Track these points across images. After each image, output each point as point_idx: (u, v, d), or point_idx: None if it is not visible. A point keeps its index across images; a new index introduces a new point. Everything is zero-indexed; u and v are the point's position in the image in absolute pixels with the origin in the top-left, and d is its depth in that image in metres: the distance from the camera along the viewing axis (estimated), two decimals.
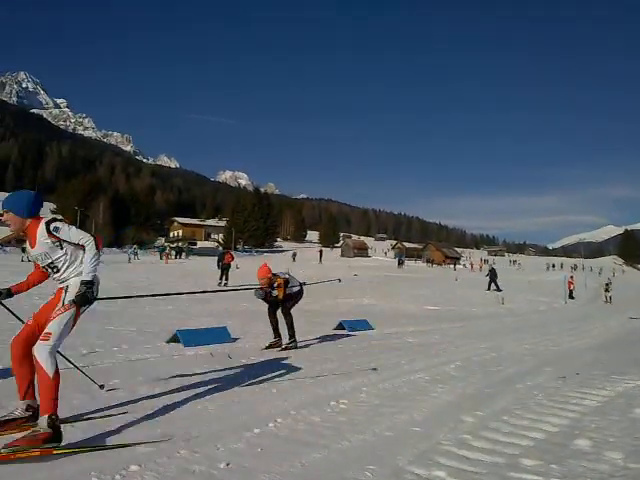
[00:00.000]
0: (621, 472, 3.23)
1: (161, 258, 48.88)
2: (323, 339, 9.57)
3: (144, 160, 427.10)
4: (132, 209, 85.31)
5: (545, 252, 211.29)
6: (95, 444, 3.44)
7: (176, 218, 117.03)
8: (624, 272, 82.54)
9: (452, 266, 76.48)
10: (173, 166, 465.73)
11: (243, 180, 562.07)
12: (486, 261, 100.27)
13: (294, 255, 64.00)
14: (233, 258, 24.64)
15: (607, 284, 30.59)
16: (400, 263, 65.23)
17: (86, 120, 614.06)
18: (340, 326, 11.09)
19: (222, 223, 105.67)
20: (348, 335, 10.32)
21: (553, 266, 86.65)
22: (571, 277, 33.32)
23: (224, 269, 23.02)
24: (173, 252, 55.80)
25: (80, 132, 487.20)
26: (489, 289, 29.81)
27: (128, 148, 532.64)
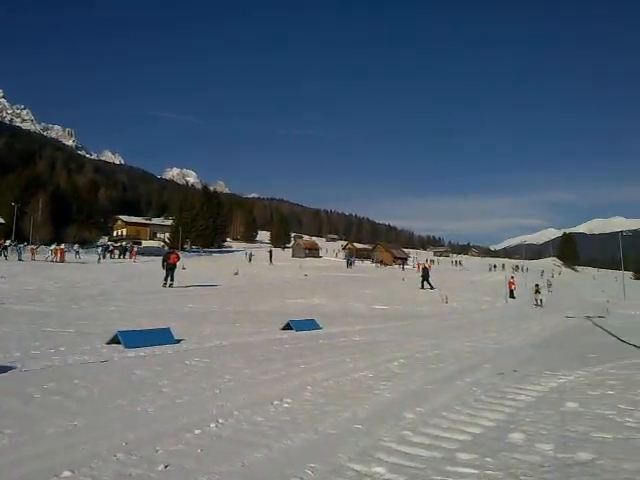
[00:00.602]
0: (550, 462, 3.36)
1: (103, 258, 47.54)
2: (270, 339, 9.54)
3: (87, 155, 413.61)
4: (74, 206, 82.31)
5: (488, 253, 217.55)
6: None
7: (120, 216, 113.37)
8: (560, 274, 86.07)
9: (401, 266, 77.67)
10: (117, 162, 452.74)
11: (191, 178, 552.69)
12: (432, 261, 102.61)
13: (250, 256, 63.07)
14: (179, 258, 24.21)
15: (537, 285, 30.33)
16: (349, 264, 65.85)
17: (24, 112, 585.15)
18: (288, 326, 11.09)
19: (169, 222, 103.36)
20: (296, 335, 10.33)
21: (494, 267, 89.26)
22: (512, 277, 34.55)
23: (169, 269, 22.57)
24: (117, 251, 54.27)
25: (18, 124, 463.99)
26: (422, 287, 30.77)
27: (70, 142, 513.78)
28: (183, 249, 67.41)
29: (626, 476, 3.10)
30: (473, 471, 3.21)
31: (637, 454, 3.50)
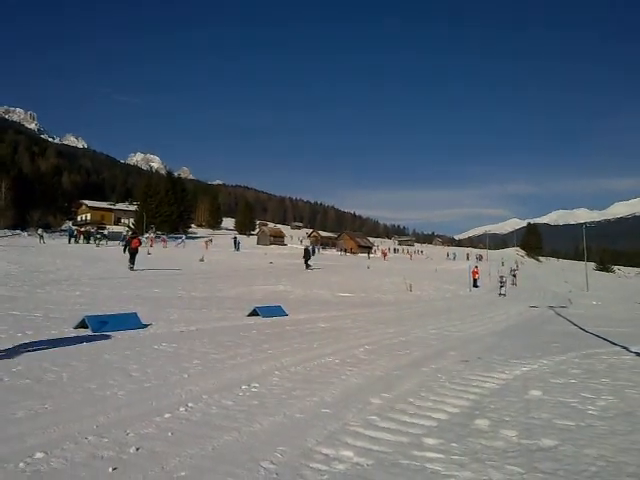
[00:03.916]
0: (514, 448, 3.50)
1: (68, 242, 46.62)
2: (237, 325, 9.54)
3: (50, 139, 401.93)
4: (37, 190, 79.93)
5: (452, 242, 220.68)
6: None
7: (84, 201, 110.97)
8: (523, 263, 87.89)
9: (367, 255, 78.18)
10: (81, 146, 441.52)
11: (155, 163, 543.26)
12: (396, 250, 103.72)
13: (207, 242, 62.96)
14: (140, 243, 24.22)
15: (502, 277, 30.71)
16: (312, 252, 66.03)
17: None
18: (254, 312, 11.09)
19: (133, 207, 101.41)
20: (262, 321, 10.35)
21: (454, 256, 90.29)
22: (476, 267, 35.19)
23: (132, 254, 22.40)
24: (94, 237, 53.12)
25: None
26: (306, 268, 31.97)
27: (32, 126, 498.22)
28: (157, 235, 66.51)
29: (588, 461, 3.25)
30: (439, 456, 3.33)
31: (599, 441, 3.66)
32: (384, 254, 75.92)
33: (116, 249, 35.27)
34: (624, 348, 8.60)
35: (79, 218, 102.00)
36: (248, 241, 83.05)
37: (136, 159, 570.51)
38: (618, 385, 5.53)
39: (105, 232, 58.27)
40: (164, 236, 65.16)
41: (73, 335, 7.15)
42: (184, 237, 69.92)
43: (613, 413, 4.44)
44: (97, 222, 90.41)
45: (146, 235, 65.41)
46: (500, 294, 28.14)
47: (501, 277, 30.37)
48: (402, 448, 3.44)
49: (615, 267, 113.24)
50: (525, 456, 3.34)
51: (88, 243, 50.32)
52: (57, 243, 44.82)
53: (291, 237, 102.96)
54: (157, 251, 42.70)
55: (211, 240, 66.48)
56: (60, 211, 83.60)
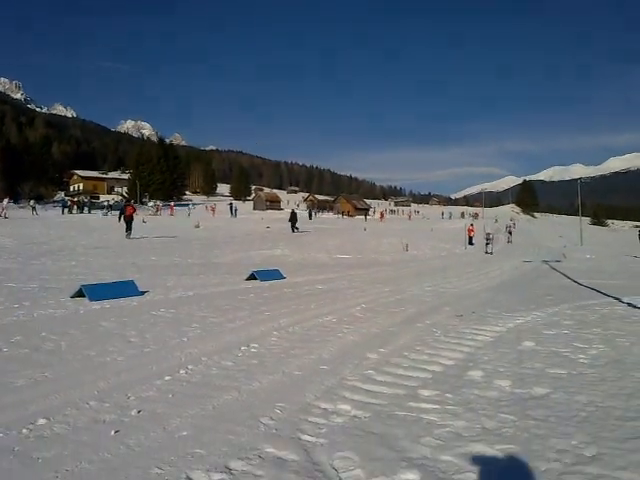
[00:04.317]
0: (508, 397, 3.59)
1: (62, 213, 46.51)
2: (235, 289, 9.62)
3: (37, 109, 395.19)
4: (26, 161, 78.90)
5: (448, 202, 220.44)
6: None
7: (76, 171, 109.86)
8: (519, 220, 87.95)
9: (364, 217, 78.15)
10: (70, 116, 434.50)
11: (146, 130, 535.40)
12: (393, 211, 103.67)
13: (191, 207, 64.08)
14: (135, 210, 24.26)
15: (488, 233, 29.64)
16: (310, 215, 66.00)
17: None
18: (252, 276, 11.16)
19: (125, 176, 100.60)
20: (260, 285, 10.42)
21: (450, 215, 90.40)
22: (471, 225, 35.26)
23: (127, 222, 22.41)
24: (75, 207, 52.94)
25: None
26: (293, 231, 32.21)
27: (18, 96, 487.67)
28: (166, 204, 66.95)
29: (578, 407, 3.35)
30: (434, 406, 3.41)
31: (589, 388, 3.77)
32: (381, 215, 75.89)
33: (112, 219, 35.21)
34: (616, 299, 8.74)
35: (71, 188, 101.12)
36: (244, 207, 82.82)
37: (127, 126, 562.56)
38: (609, 334, 5.65)
39: (111, 202, 58.51)
40: (172, 204, 65.74)
41: (70, 304, 7.19)
42: (191, 204, 70.75)
43: (603, 361, 4.54)
44: (90, 192, 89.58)
45: (151, 203, 66.02)
46: (487, 252, 27.41)
47: (487, 234, 29.55)
48: (398, 400, 3.53)
49: (609, 221, 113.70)
50: (518, 404, 3.43)
51: (82, 213, 50.18)
52: (50, 214, 44.61)
53: (287, 202, 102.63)
54: (153, 219, 42.63)
55: (215, 205, 67.02)
56: (51, 182, 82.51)
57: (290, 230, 32.44)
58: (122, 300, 7.68)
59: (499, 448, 2.73)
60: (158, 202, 65.97)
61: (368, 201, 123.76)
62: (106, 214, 46.34)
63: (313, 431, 2.99)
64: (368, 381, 3.96)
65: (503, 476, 2.47)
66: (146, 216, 42.87)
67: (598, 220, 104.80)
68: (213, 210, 62.03)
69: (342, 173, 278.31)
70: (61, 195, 78.47)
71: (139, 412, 3.23)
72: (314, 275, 12.81)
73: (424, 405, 3.43)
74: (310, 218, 63.48)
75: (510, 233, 40.60)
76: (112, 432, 2.91)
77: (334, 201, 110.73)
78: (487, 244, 28.31)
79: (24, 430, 2.90)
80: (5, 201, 40.43)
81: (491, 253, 27.30)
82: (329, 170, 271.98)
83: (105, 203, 56.30)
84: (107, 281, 8.97)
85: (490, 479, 2.42)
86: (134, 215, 23.63)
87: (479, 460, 2.59)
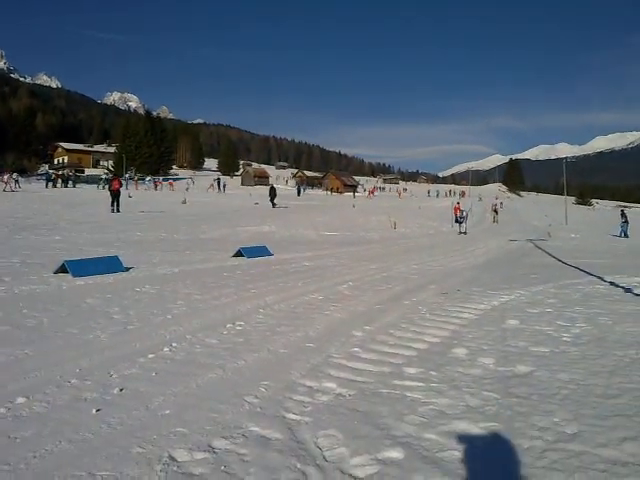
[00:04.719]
0: (492, 375, 3.61)
1: (46, 187, 45.82)
2: (221, 266, 9.56)
3: (21, 79, 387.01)
4: (10, 133, 77.37)
5: (436, 180, 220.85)
6: None
7: (61, 143, 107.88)
8: (506, 199, 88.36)
9: (352, 194, 78.03)
10: (54, 86, 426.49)
11: (133, 102, 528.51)
12: (382, 188, 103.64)
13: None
14: (121, 184, 23.99)
15: (462, 211, 26.81)
16: (299, 192, 65.73)
17: None
18: (239, 253, 11.10)
19: (111, 149, 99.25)
20: (247, 262, 10.38)
21: (437, 193, 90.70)
22: (458, 203, 35.28)
23: (114, 196, 22.16)
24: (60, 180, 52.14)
25: None
26: (273, 207, 32.71)
27: (0, 65, 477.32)
28: (141, 178, 65.92)
29: (559, 385, 3.38)
30: (419, 384, 3.42)
31: (571, 366, 3.80)
32: (371, 192, 75.80)
33: (96, 192, 34.87)
34: (599, 278, 8.81)
35: (55, 161, 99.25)
36: (232, 182, 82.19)
37: (113, 98, 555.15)
38: (592, 313, 5.70)
39: (109, 176, 57.90)
40: (171, 180, 65.74)
41: (53, 280, 7.09)
42: (189, 179, 70.46)
43: (586, 339, 4.58)
44: (75, 165, 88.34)
45: (148, 178, 65.22)
46: (460, 232, 25.01)
47: (461, 212, 26.84)
48: (383, 378, 3.53)
49: (594, 201, 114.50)
50: (501, 382, 3.45)
51: (66, 187, 49.49)
52: (34, 187, 43.95)
53: (277, 177, 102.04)
54: (139, 194, 42.22)
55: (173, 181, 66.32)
56: (35, 154, 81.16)
57: (271, 205, 32.42)
58: (106, 276, 7.60)
59: (482, 426, 2.74)
60: (159, 178, 65.37)
61: (357, 178, 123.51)
62: (103, 187, 45.65)
63: (298, 409, 2.98)
64: (353, 359, 3.96)
65: (486, 454, 2.47)
66: (144, 190, 42.43)
67: (583, 200, 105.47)
68: (171, 185, 61.01)
69: (331, 149, 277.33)
70: (45, 168, 77.21)
71: (121, 390, 3.20)
72: (302, 252, 12.79)
73: (408, 383, 3.44)
74: (299, 194, 63.31)
75: (496, 212, 40.59)
76: (93, 411, 2.88)
77: (323, 177, 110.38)
78: (460, 223, 26.12)
79: (1, 409, 2.86)
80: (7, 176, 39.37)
81: (465, 233, 24.96)
82: (318, 146, 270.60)
83: (103, 176, 55.39)
84: (91, 257, 8.86)
85: (474, 457, 2.43)
86: (120, 189, 23.37)
87: (463, 438, 2.61)
